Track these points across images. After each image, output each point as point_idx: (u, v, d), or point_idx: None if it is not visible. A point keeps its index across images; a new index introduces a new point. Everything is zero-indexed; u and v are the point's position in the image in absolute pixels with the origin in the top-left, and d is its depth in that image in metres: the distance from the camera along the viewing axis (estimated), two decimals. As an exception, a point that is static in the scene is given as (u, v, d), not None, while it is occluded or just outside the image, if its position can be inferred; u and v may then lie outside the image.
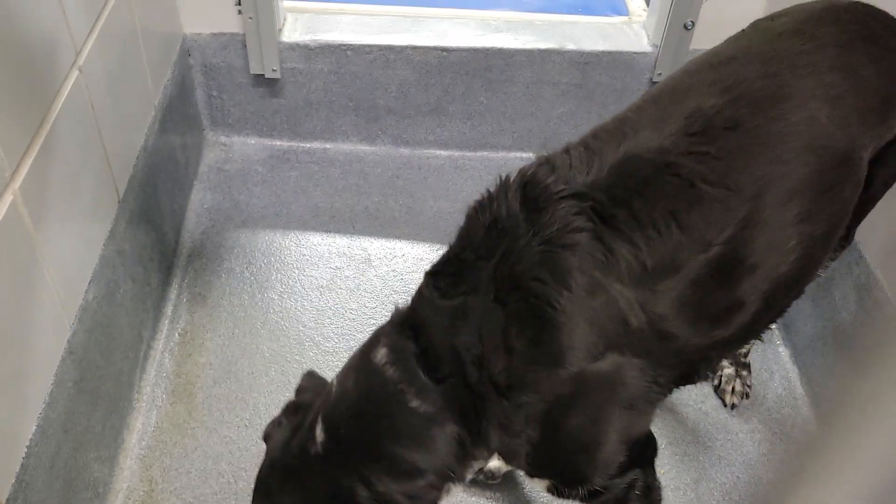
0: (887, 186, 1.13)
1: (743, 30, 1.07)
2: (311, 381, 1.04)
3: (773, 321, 1.05)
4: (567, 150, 0.92)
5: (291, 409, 0.99)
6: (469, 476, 0.94)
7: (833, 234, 0.97)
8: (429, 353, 0.87)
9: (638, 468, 0.97)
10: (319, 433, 0.89)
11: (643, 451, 0.98)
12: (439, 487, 0.88)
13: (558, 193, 0.86)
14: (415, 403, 0.85)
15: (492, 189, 0.91)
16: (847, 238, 1.23)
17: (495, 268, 0.84)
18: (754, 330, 1.01)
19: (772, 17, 1.07)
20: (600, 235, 0.84)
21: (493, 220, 0.87)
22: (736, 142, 0.88)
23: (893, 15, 1.07)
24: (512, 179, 0.91)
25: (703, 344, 0.91)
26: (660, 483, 1.04)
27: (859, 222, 1.20)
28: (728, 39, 1.06)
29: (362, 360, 0.92)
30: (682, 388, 1.00)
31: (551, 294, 0.82)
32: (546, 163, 0.91)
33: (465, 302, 0.85)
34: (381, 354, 0.89)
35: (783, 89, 0.93)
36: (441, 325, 0.86)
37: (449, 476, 0.88)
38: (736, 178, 0.87)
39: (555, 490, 0.98)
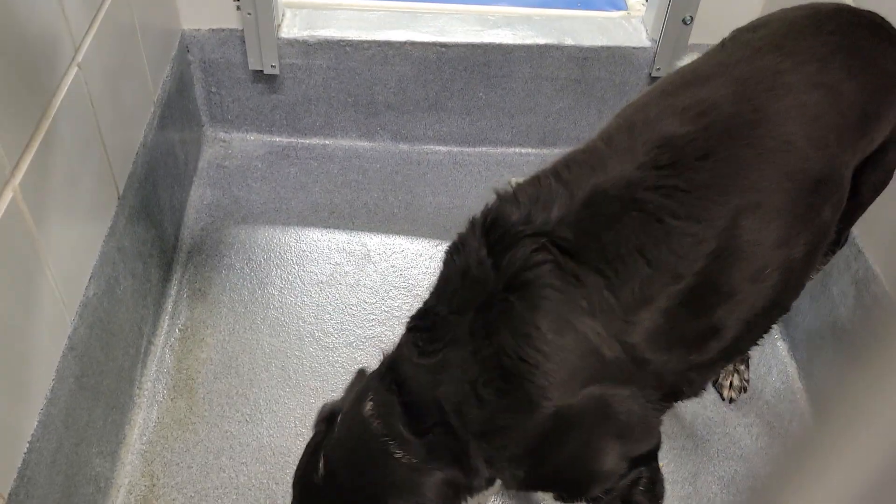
0: (876, 193, 1.12)
1: (723, 41, 1.05)
2: (359, 380, 1.06)
3: (757, 341, 1.03)
4: (537, 180, 0.91)
5: (326, 414, 1.02)
6: None
7: (815, 252, 0.96)
8: (411, 407, 0.90)
9: (642, 466, 0.98)
10: (321, 466, 0.94)
11: (647, 451, 0.98)
12: None
13: (520, 233, 0.86)
14: (398, 454, 0.89)
15: (463, 231, 0.92)
16: (838, 243, 1.21)
17: (471, 322, 0.86)
18: (738, 350, 0.99)
19: (753, 28, 1.05)
20: (565, 272, 0.83)
21: (464, 268, 0.88)
22: (707, 172, 0.87)
23: (882, 15, 1.05)
24: (478, 221, 0.91)
25: (680, 368, 0.91)
26: (663, 476, 1.05)
27: (850, 226, 1.19)
28: (707, 53, 1.04)
29: (353, 408, 0.96)
30: (674, 404, 0.99)
31: (518, 344, 0.83)
32: (511, 199, 0.90)
33: (444, 358, 0.87)
34: (368, 407, 0.93)
35: (758, 113, 0.91)
36: (421, 382, 0.89)
37: None
38: (706, 211, 0.85)
39: (559, 498, 1.00)
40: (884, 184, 1.12)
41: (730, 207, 0.86)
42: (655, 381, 0.89)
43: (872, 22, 1.05)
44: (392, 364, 0.94)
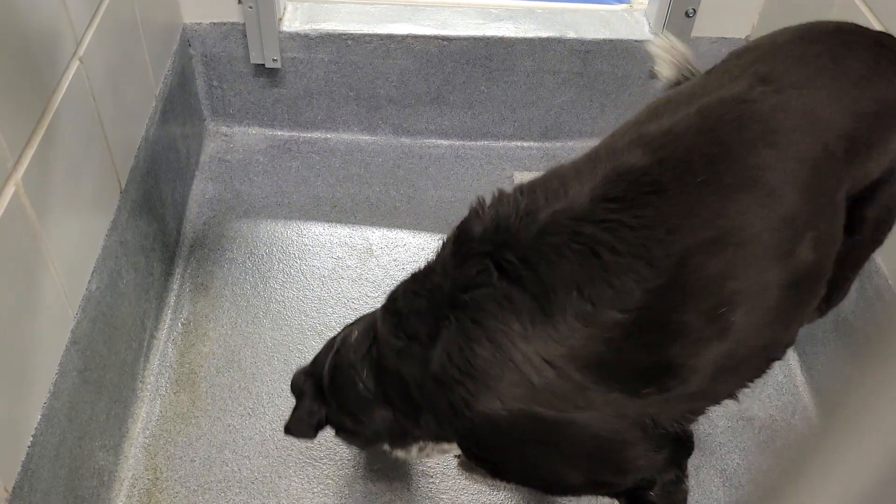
0: (879, 233, 1.04)
1: (715, 65, 1.02)
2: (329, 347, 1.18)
3: (736, 391, 0.98)
4: (513, 195, 0.92)
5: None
6: (415, 453, 1.10)
7: (798, 297, 0.91)
8: (378, 364, 1.01)
9: (649, 473, 0.97)
10: (327, 367, 1.09)
11: (651, 460, 0.96)
12: (374, 444, 1.11)
13: (471, 250, 0.90)
14: (360, 386, 1.04)
15: (452, 231, 0.96)
16: (829, 300, 1.09)
17: (427, 325, 0.92)
18: (713, 394, 0.95)
19: (740, 53, 1.01)
20: (499, 296, 0.86)
21: (431, 270, 0.95)
22: (654, 208, 0.85)
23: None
24: (454, 228, 0.95)
25: (641, 404, 0.89)
26: (687, 486, 1.03)
27: (853, 273, 1.09)
28: (696, 78, 1.02)
29: (347, 331, 1.11)
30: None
31: (447, 360, 0.89)
32: (478, 213, 0.93)
33: (406, 347, 0.95)
34: (353, 337, 1.06)
35: (720, 146, 0.87)
36: (388, 354, 0.98)
37: (382, 443, 1.10)
38: (649, 248, 0.84)
39: None
40: (887, 224, 1.04)
41: (678, 246, 0.84)
42: (615, 411, 0.88)
43: (877, 43, 0.98)
44: (376, 320, 1.02)
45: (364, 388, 1.03)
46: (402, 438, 1.07)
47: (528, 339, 0.84)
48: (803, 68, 0.94)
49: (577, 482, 0.97)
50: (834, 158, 0.90)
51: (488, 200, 0.93)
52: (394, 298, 1.00)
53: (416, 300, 0.94)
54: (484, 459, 0.99)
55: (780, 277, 0.87)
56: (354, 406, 1.06)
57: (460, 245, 0.91)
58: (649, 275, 0.83)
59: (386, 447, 1.11)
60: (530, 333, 0.84)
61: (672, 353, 0.87)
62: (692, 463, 1.38)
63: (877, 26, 1.37)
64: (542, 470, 0.96)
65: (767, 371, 0.99)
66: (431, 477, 1.35)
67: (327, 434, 1.40)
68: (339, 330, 1.58)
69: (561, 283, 0.84)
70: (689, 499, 1.34)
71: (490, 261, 0.87)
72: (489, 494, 1.33)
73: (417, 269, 0.98)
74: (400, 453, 1.11)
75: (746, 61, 0.97)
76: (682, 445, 1.01)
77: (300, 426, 1.13)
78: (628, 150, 0.89)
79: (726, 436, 1.43)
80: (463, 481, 1.35)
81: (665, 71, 1.18)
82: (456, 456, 1.38)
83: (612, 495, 1.06)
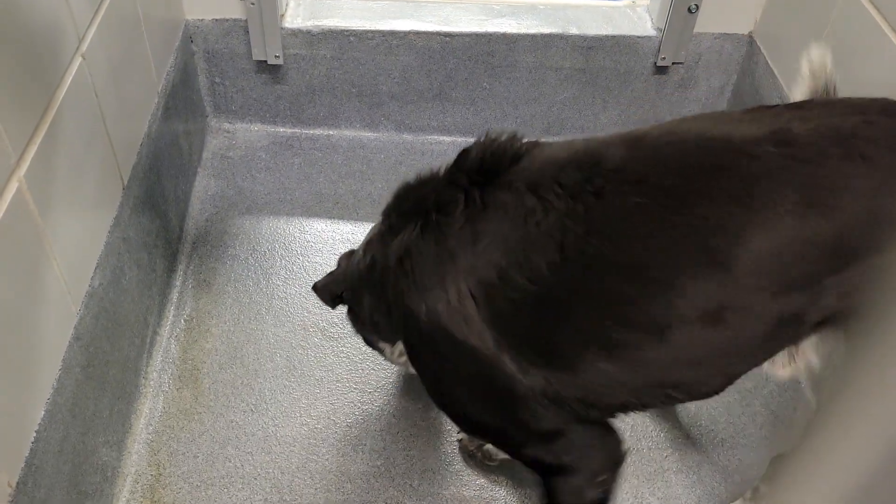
0: None
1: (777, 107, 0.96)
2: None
3: (629, 410, 1.00)
4: (511, 139, 1.00)
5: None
6: (397, 353, 1.18)
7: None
8: (365, 247, 1.12)
9: (551, 455, 1.01)
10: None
11: (565, 448, 1.00)
12: (371, 336, 1.19)
13: (457, 179, 0.99)
14: (358, 269, 1.12)
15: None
16: None
17: (402, 226, 1.02)
18: (600, 398, 0.96)
19: (807, 103, 0.97)
20: (459, 227, 0.95)
21: (427, 181, 1.04)
22: (589, 209, 0.90)
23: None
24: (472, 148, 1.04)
25: (529, 373, 0.94)
26: (608, 497, 1.04)
27: None
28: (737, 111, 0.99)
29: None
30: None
31: (395, 257, 1.01)
32: (480, 145, 1.01)
33: (383, 234, 1.06)
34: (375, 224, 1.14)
35: (685, 181, 0.88)
36: (373, 238, 1.10)
37: (374, 335, 1.19)
38: (566, 239, 0.90)
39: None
40: None
41: (592, 250, 0.89)
42: (510, 369, 0.94)
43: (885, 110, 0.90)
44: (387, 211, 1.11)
45: (359, 270, 1.11)
46: (382, 331, 1.14)
47: (458, 269, 0.94)
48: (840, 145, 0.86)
49: (475, 417, 1.04)
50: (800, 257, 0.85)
51: (495, 135, 1.01)
52: (398, 196, 1.09)
53: (405, 202, 1.05)
54: (413, 361, 1.07)
55: (689, 316, 0.87)
56: (356, 288, 1.14)
57: (453, 170, 1.01)
58: (556, 260, 0.89)
59: (381, 345, 1.19)
60: (462, 265, 0.94)
61: (559, 340, 0.92)
62: (694, 458, 1.39)
63: (881, 24, 1.37)
64: (445, 386, 1.04)
65: (666, 405, 1.02)
66: (433, 472, 1.35)
67: (329, 429, 1.40)
68: (341, 327, 1.59)
69: (495, 235, 0.93)
70: (692, 494, 1.35)
71: (462, 195, 0.96)
72: (491, 490, 1.34)
73: (423, 173, 1.06)
74: (388, 352, 1.19)
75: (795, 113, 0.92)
76: (606, 445, 1.03)
77: (324, 291, 1.22)
78: (615, 145, 0.94)
79: (728, 431, 1.43)
80: (465, 476, 1.35)
81: (804, 87, 1.11)
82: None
83: (529, 466, 1.09)
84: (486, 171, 0.98)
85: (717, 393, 0.99)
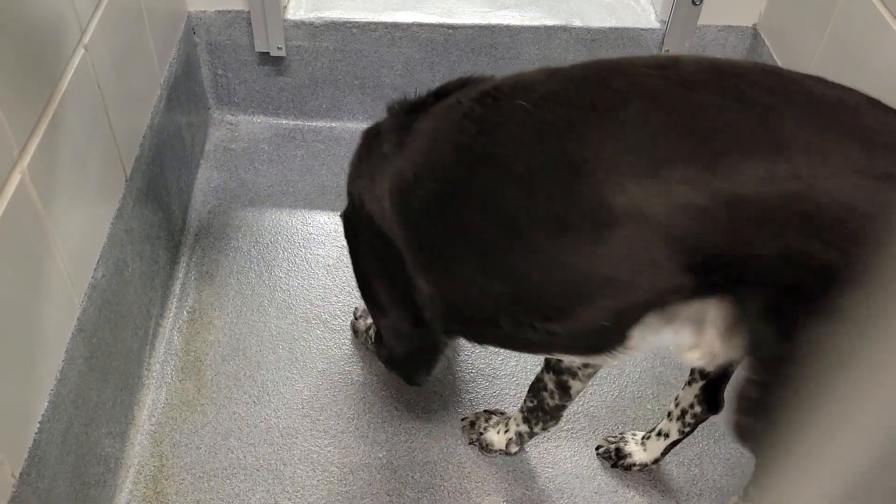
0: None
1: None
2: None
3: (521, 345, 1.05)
4: (503, 83, 1.00)
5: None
6: None
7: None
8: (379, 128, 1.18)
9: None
10: None
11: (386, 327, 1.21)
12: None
13: (427, 102, 1.08)
14: (378, 143, 1.15)
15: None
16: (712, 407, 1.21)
17: (390, 129, 1.11)
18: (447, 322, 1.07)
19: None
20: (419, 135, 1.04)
21: (419, 100, 1.10)
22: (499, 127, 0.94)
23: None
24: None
25: (429, 289, 1.03)
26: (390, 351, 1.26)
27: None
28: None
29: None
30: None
31: (375, 145, 1.14)
32: (471, 78, 1.07)
33: (377, 126, 1.17)
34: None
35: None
36: (388, 139, 1.13)
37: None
38: (459, 154, 0.97)
39: None
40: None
41: (474, 154, 0.95)
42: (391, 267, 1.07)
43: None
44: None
45: (385, 145, 1.17)
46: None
47: (386, 170, 1.05)
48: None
49: (364, 289, 1.24)
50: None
51: (488, 74, 1.07)
52: (388, 108, 1.17)
53: (399, 110, 1.12)
54: (345, 231, 1.27)
55: (540, 218, 0.87)
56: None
57: (430, 90, 1.10)
58: (452, 158, 0.96)
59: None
60: (389, 167, 1.05)
61: (444, 242, 0.98)
62: (695, 451, 1.39)
63: (886, 15, 1.36)
64: (360, 252, 1.24)
65: (544, 348, 1.02)
66: (435, 464, 1.36)
67: (331, 421, 1.40)
68: (343, 319, 1.59)
69: (423, 140, 1.02)
70: (693, 487, 1.35)
71: (421, 109, 1.06)
72: (493, 483, 1.34)
73: (423, 92, 1.13)
74: None
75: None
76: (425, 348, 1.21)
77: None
78: (542, 70, 0.96)
79: (730, 425, 1.43)
80: (467, 469, 1.36)
81: None
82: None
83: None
84: (447, 91, 1.05)
85: (605, 346, 0.93)
